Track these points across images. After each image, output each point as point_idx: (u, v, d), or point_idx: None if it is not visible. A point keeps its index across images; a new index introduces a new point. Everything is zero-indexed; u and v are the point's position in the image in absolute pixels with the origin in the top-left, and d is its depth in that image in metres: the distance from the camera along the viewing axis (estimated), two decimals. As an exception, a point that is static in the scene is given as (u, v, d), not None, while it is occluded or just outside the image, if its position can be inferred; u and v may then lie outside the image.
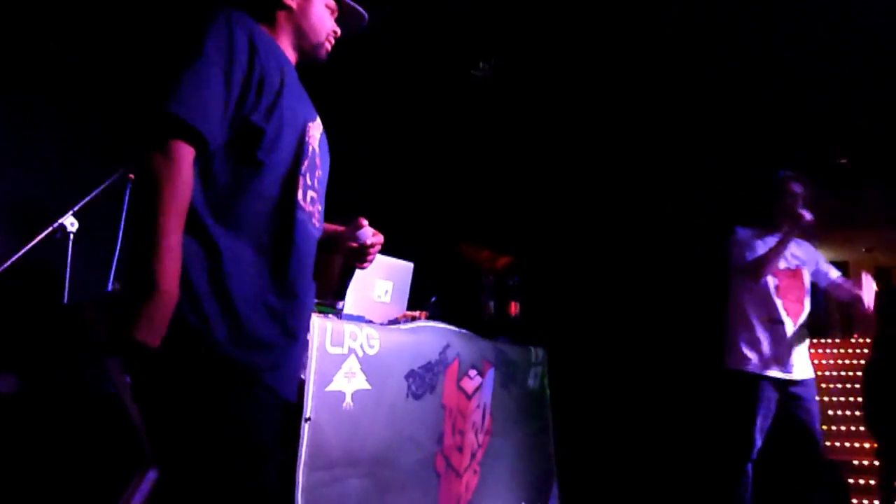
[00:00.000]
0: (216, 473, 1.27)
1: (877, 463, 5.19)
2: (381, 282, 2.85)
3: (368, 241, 1.66)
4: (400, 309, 3.02)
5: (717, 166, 5.87)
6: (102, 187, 3.28)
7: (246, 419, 1.32)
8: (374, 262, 1.78)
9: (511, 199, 5.91)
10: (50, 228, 3.19)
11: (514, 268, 4.41)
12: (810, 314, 3.37)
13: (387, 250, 1.84)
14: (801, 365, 3.26)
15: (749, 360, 3.23)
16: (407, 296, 3.06)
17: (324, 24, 1.66)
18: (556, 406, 4.14)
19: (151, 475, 2.42)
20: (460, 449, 3.06)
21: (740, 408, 3.21)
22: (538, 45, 4.42)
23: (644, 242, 5.65)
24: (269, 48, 1.47)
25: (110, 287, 3.27)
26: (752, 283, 3.26)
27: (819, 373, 8.42)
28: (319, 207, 1.58)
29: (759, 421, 3.15)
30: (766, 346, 3.23)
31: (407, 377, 2.71)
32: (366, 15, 1.77)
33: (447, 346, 3.03)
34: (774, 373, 3.19)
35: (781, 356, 3.20)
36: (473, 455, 3.18)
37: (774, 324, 3.24)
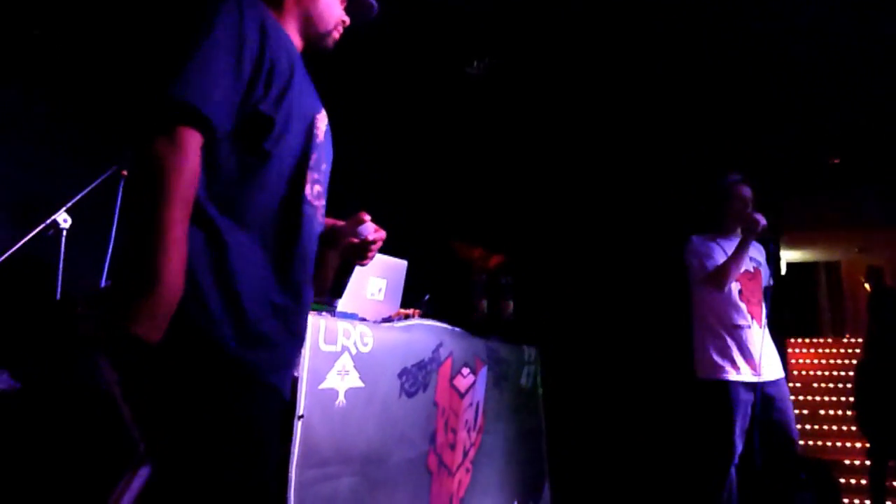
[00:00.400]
0: (218, 473, 1.23)
1: (868, 463, 5.23)
2: (374, 280, 2.86)
3: (371, 237, 1.61)
4: (393, 307, 3.03)
5: (712, 167, 5.89)
6: (96, 184, 3.27)
7: (249, 419, 1.28)
8: (367, 259, 1.74)
9: (504, 197, 5.91)
10: (43, 225, 3.18)
11: (507, 266, 4.42)
12: (777, 311, 3.40)
13: (380, 248, 1.83)
14: (772, 365, 3.27)
15: (721, 367, 3.22)
16: (400, 294, 3.07)
17: (333, 12, 1.60)
18: (549, 405, 4.16)
19: (143, 473, 2.42)
20: (453, 447, 3.07)
21: (718, 415, 3.21)
22: (531, 44, 4.43)
23: (637, 242, 5.67)
24: (278, 35, 1.41)
25: (103, 284, 3.26)
26: (716, 291, 3.25)
27: (810, 372, 8.48)
28: (323, 202, 1.54)
29: (737, 425, 3.16)
30: (735, 352, 3.22)
31: (400, 375, 2.72)
32: (375, 5, 1.71)
33: (440, 345, 3.03)
34: (746, 377, 3.20)
35: (751, 359, 3.21)
36: (466, 453, 3.18)
37: (741, 329, 3.24)
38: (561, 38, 4.35)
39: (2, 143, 3.74)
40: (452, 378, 3.12)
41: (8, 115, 3.79)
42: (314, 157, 1.45)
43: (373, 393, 2.54)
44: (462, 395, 3.18)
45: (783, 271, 9.12)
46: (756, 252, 3.43)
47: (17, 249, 3.08)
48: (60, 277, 3.30)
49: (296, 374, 2.14)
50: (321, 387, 2.27)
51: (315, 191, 1.46)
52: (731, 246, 3.31)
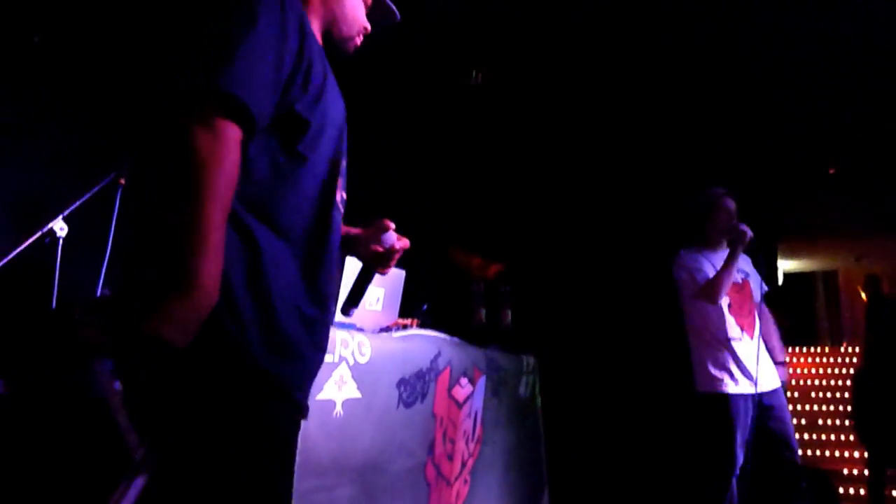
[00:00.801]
0: (236, 489, 1.16)
1: (867, 472, 5.21)
2: (372, 289, 2.84)
3: (397, 246, 1.56)
4: (391, 317, 3.02)
5: (709, 177, 5.90)
6: (93, 192, 3.25)
7: (271, 435, 1.21)
8: (365, 269, 1.72)
9: (502, 206, 5.91)
10: (39, 233, 3.17)
11: (505, 275, 4.41)
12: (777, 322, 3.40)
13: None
14: (768, 375, 3.27)
15: (719, 380, 3.22)
16: (398, 303, 3.06)
17: (357, 15, 1.53)
18: (547, 415, 4.14)
19: (139, 483, 2.40)
20: (451, 458, 3.05)
21: (718, 428, 3.20)
22: (529, 54, 4.44)
23: (636, 251, 5.67)
24: (313, 35, 1.33)
25: (100, 292, 3.25)
26: (706, 306, 3.25)
27: (808, 381, 8.47)
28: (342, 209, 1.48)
29: (738, 437, 3.15)
30: (732, 365, 3.22)
31: (398, 385, 2.70)
32: (398, 15, 1.65)
33: (438, 355, 3.02)
34: (744, 389, 3.20)
35: (747, 371, 3.21)
36: (464, 464, 3.17)
37: (734, 341, 3.24)
38: (558, 49, 4.37)
39: (-1, 151, 3.73)
40: (451, 388, 3.10)
41: (5, 122, 3.78)
42: (343, 163, 1.41)
43: (370, 403, 2.52)
44: (460, 406, 3.17)
45: (780, 281, 9.12)
46: (743, 263, 3.42)
47: (14, 257, 3.07)
48: (56, 286, 3.28)
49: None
50: (318, 397, 2.26)
51: (342, 197, 1.41)
52: (717, 259, 3.31)
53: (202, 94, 1.11)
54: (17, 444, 2.97)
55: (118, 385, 2.62)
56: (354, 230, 1.61)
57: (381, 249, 1.56)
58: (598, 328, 5.59)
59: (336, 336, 2.38)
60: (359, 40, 1.56)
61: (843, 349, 9.45)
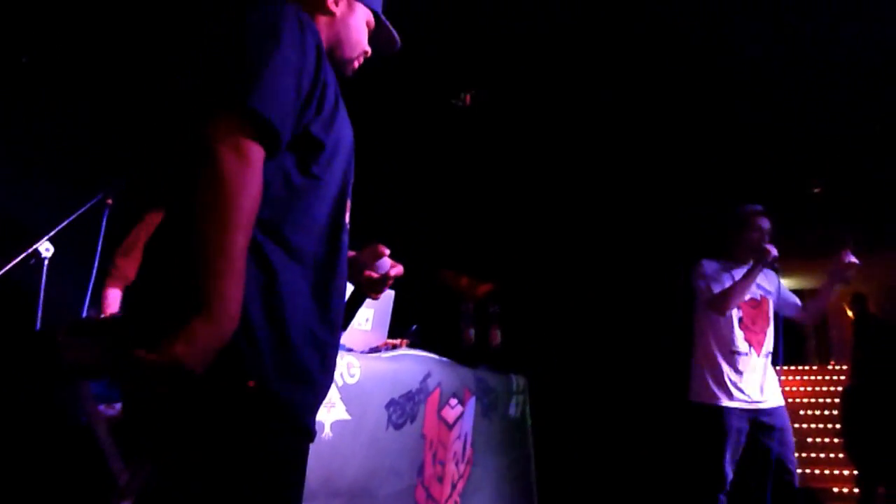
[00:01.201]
0: None
1: (856, 490, 5.22)
2: (362, 309, 2.83)
3: (392, 273, 1.55)
4: (381, 337, 3.00)
5: (694, 197, 5.94)
6: (79, 213, 3.23)
7: (281, 461, 1.19)
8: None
9: (491, 227, 5.92)
10: (25, 254, 3.13)
11: (495, 295, 4.41)
12: (783, 341, 3.39)
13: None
14: (769, 393, 3.26)
15: (714, 392, 3.22)
16: (388, 324, 3.04)
17: (360, 39, 1.53)
18: (538, 435, 4.12)
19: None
20: (441, 479, 3.02)
21: (708, 440, 3.19)
22: (518, 75, 4.47)
23: (625, 271, 5.69)
24: (326, 57, 1.33)
25: (85, 313, 3.21)
26: (716, 316, 3.26)
27: (797, 399, 8.48)
28: None
29: (728, 453, 3.14)
30: (729, 378, 3.22)
31: (387, 406, 2.68)
32: (399, 42, 1.66)
33: (428, 375, 3.00)
34: (740, 403, 3.19)
35: (746, 386, 3.21)
36: (454, 486, 3.14)
37: (738, 355, 3.25)
38: (547, 70, 4.40)
39: (-16, 172, 3.70)
40: (440, 409, 3.08)
41: (-9, 143, 3.76)
42: (351, 184, 1.41)
43: (359, 425, 2.50)
44: (450, 427, 3.15)
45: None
46: (766, 281, 3.43)
47: (-2, 278, 3.03)
48: (41, 307, 3.24)
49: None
50: (307, 419, 2.23)
51: (347, 219, 1.40)
52: (739, 273, 3.32)
53: (235, 114, 1.11)
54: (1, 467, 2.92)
55: (103, 408, 2.58)
56: (349, 253, 1.60)
57: (375, 276, 1.55)
58: (587, 347, 5.59)
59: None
60: (357, 63, 1.57)
61: (831, 367, 9.49)
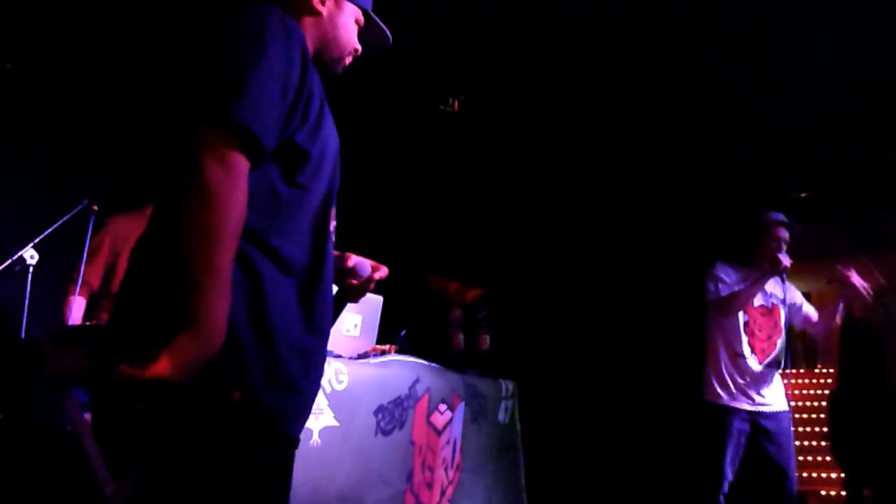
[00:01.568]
0: None
1: (844, 493, 5.24)
2: (350, 315, 2.82)
3: (375, 276, 1.54)
4: (369, 343, 2.99)
5: (682, 200, 5.97)
6: (65, 219, 3.20)
7: (269, 470, 1.19)
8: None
9: (480, 231, 5.93)
10: (9, 261, 3.11)
11: (484, 300, 4.41)
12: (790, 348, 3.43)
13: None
14: (772, 398, 3.29)
15: (718, 393, 3.28)
16: (376, 329, 3.04)
17: (350, 37, 1.51)
18: (527, 440, 4.12)
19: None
20: (430, 486, 3.01)
21: (711, 440, 3.23)
22: (506, 80, 4.48)
23: (614, 275, 5.71)
24: (311, 63, 1.31)
25: (70, 321, 3.18)
26: (723, 317, 3.31)
27: (784, 403, 8.52)
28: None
29: (729, 453, 3.17)
30: (732, 380, 3.27)
31: (376, 413, 2.67)
32: (390, 38, 1.63)
33: (417, 381, 2.99)
34: (742, 405, 3.22)
35: (749, 389, 3.24)
36: (443, 492, 3.13)
37: (740, 358, 3.28)
38: (535, 75, 4.41)
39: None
40: (429, 415, 3.07)
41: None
42: (336, 191, 1.39)
43: (348, 432, 2.49)
44: (439, 433, 3.14)
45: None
46: (780, 289, 3.45)
47: (-18, 286, 3.00)
48: (26, 314, 3.21)
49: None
50: (295, 426, 2.22)
51: (332, 227, 1.40)
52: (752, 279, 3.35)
53: (220, 125, 1.11)
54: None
55: (88, 416, 2.56)
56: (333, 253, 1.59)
57: (355, 282, 1.54)
58: (577, 351, 5.60)
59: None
60: (348, 61, 1.55)
61: (818, 370, 9.54)
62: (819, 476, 6.97)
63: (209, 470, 1.11)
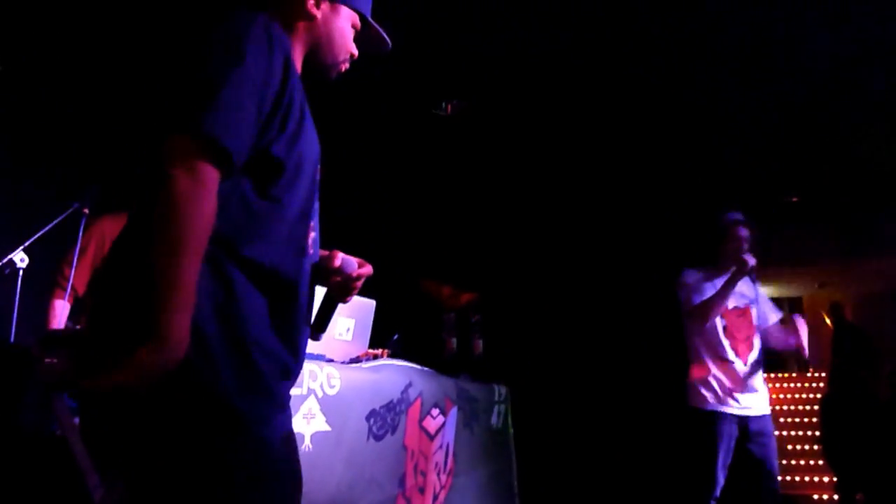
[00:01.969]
0: None
1: (836, 497, 5.26)
2: (342, 319, 2.81)
3: (355, 273, 1.51)
4: (361, 347, 2.98)
5: (675, 204, 5.99)
6: (55, 223, 3.18)
7: (241, 476, 1.18)
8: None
9: (473, 235, 5.93)
10: (-1, 264, 3.08)
11: (477, 305, 4.40)
12: (767, 349, 3.43)
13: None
14: (757, 401, 3.30)
15: (705, 398, 3.28)
16: (369, 333, 3.02)
17: (345, 42, 1.48)
18: (520, 444, 4.11)
19: (99, 523, 2.31)
20: (422, 491, 3.00)
21: (702, 445, 3.23)
22: (500, 85, 4.49)
23: (607, 280, 5.71)
24: (295, 70, 1.29)
25: (63, 325, 3.16)
26: (701, 325, 3.31)
27: (776, 407, 8.54)
28: (316, 247, 1.45)
29: (720, 457, 3.17)
30: (719, 384, 3.27)
31: (368, 418, 2.66)
32: (389, 42, 1.60)
33: (409, 385, 2.98)
34: (730, 409, 3.23)
35: (735, 393, 3.25)
36: (436, 496, 3.12)
37: (725, 363, 3.29)
38: (529, 79, 4.42)
39: (-43, 181, 3.65)
40: (422, 419, 3.06)
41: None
42: (315, 204, 1.38)
43: (340, 437, 2.47)
44: (432, 437, 3.13)
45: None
46: (748, 289, 3.46)
47: (-29, 290, 2.98)
48: (15, 318, 3.18)
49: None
50: (287, 431, 2.21)
51: (311, 238, 1.38)
52: (721, 282, 3.35)
53: (188, 136, 1.10)
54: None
55: (77, 420, 2.54)
56: (322, 252, 1.58)
57: (339, 279, 1.52)
58: (570, 356, 5.60)
59: (304, 368, 2.34)
60: (344, 66, 1.53)
61: (810, 375, 9.57)
62: (812, 480, 6.99)
63: (184, 475, 1.12)
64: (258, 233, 1.22)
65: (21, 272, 3.14)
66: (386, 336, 3.38)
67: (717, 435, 3.20)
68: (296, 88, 1.28)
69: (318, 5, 1.43)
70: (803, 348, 3.36)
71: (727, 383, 3.27)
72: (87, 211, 3.15)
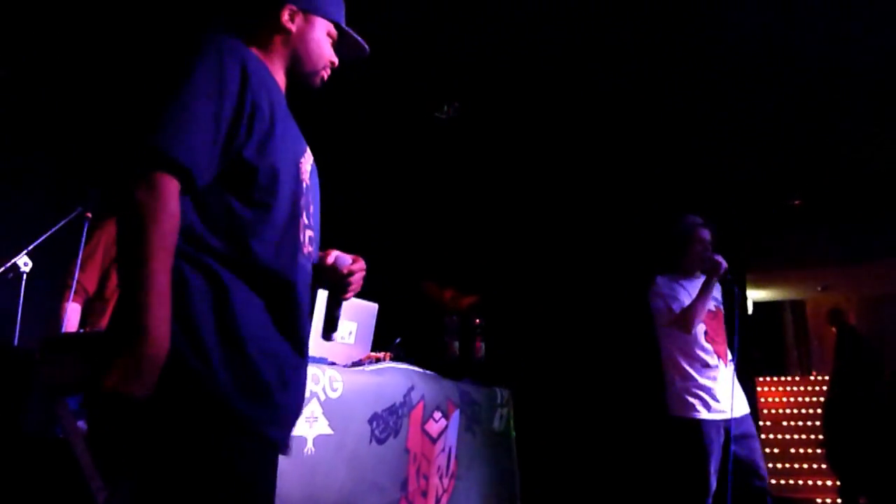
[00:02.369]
0: None
1: (839, 501, 5.25)
2: (345, 323, 2.82)
3: (345, 270, 1.56)
4: (364, 350, 2.99)
5: (679, 207, 5.98)
6: (58, 226, 3.19)
7: (243, 475, 1.23)
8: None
9: (475, 239, 5.93)
10: (3, 268, 3.09)
11: (479, 308, 4.41)
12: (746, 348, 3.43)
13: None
14: (738, 402, 3.30)
15: (693, 406, 3.24)
16: (371, 337, 3.03)
17: (322, 51, 1.56)
18: (522, 448, 4.11)
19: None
20: (425, 494, 3.00)
21: (692, 453, 3.21)
22: (500, 88, 4.49)
23: (611, 284, 5.71)
24: (260, 77, 1.37)
25: (63, 329, 3.17)
26: (684, 334, 3.28)
27: (778, 410, 8.55)
28: (315, 245, 1.51)
29: (711, 464, 3.16)
30: (705, 391, 3.25)
31: (370, 421, 2.66)
32: (367, 47, 1.67)
33: (412, 388, 2.99)
34: (717, 415, 3.22)
35: (721, 398, 3.24)
36: (438, 500, 3.12)
37: (710, 369, 3.27)
38: (529, 81, 4.43)
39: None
40: (424, 423, 3.07)
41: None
42: (303, 202, 1.43)
43: (342, 440, 2.48)
44: (434, 441, 3.13)
45: (750, 310, 9.24)
46: (716, 291, 3.46)
47: (-25, 293, 2.99)
48: (19, 322, 3.19)
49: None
50: (289, 434, 2.21)
51: (307, 237, 1.44)
52: (693, 287, 3.35)
53: (138, 152, 1.19)
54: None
55: (82, 424, 2.55)
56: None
57: (334, 276, 1.57)
58: (572, 359, 5.59)
59: (307, 371, 2.35)
60: (325, 74, 1.60)
61: (812, 378, 9.57)
62: (814, 484, 6.98)
63: (186, 475, 1.18)
64: (250, 238, 1.29)
65: (24, 276, 3.15)
66: (388, 339, 3.39)
67: (706, 442, 3.17)
68: (259, 95, 1.35)
69: (292, 19, 1.51)
70: None
71: (712, 388, 3.25)
72: (90, 215, 3.16)
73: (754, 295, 10.23)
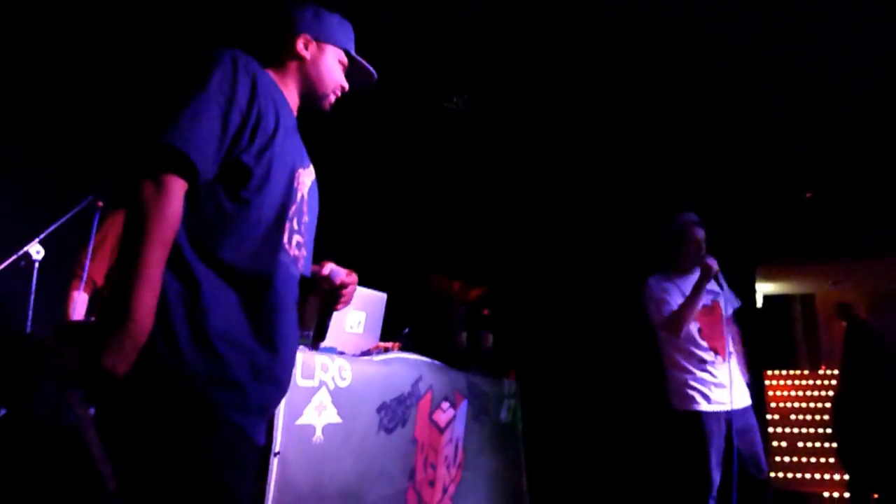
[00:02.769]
0: None
1: (848, 495, 5.23)
2: (353, 313, 2.83)
3: (338, 281, 1.64)
4: (373, 340, 3.00)
5: (688, 202, 5.95)
6: (70, 215, 3.21)
7: (210, 458, 1.30)
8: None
9: (483, 229, 5.92)
10: (15, 256, 3.12)
11: (487, 299, 4.41)
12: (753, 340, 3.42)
13: (360, 281, 1.82)
14: (739, 394, 3.30)
15: (692, 398, 3.25)
16: (380, 327, 3.04)
17: (332, 77, 1.70)
18: (529, 438, 4.12)
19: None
20: (432, 483, 3.02)
21: (693, 445, 3.22)
22: (510, 80, 4.48)
23: (615, 274, 5.69)
24: (269, 92, 1.49)
25: (73, 317, 3.19)
26: (676, 336, 3.29)
27: (787, 404, 8.51)
28: (305, 253, 1.59)
29: (713, 456, 3.17)
30: (703, 384, 3.26)
31: (378, 410, 2.68)
32: (375, 74, 1.82)
33: (420, 378, 3.00)
34: (717, 406, 3.23)
35: (719, 390, 3.24)
36: (445, 489, 3.13)
37: (707, 364, 3.28)
38: (538, 75, 4.41)
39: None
40: (432, 413, 3.08)
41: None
42: (293, 208, 1.50)
43: (351, 429, 2.49)
44: (442, 431, 3.14)
45: (759, 304, 9.20)
46: (711, 284, 3.45)
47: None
48: (31, 310, 3.22)
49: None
50: (298, 422, 2.23)
51: (294, 241, 1.51)
52: (687, 285, 3.36)
53: (151, 149, 1.29)
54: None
55: (91, 410, 2.57)
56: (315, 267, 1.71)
57: (327, 287, 1.64)
58: (579, 350, 5.59)
59: (316, 360, 2.36)
60: (333, 98, 1.73)
61: (821, 372, 9.52)
62: (822, 478, 6.95)
63: (163, 460, 1.26)
64: (229, 233, 1.38)
65: (37, 264, 3.17)
66: (397, 330, 3.40)
67: (707, 435, 3.19)
68: (266, 107, 1.46)
69: (306, 47, 1.66)
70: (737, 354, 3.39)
71: (710, 382, 3.26)
72: (101, 204, 3.18)
73: (764, 288, 10.18)
